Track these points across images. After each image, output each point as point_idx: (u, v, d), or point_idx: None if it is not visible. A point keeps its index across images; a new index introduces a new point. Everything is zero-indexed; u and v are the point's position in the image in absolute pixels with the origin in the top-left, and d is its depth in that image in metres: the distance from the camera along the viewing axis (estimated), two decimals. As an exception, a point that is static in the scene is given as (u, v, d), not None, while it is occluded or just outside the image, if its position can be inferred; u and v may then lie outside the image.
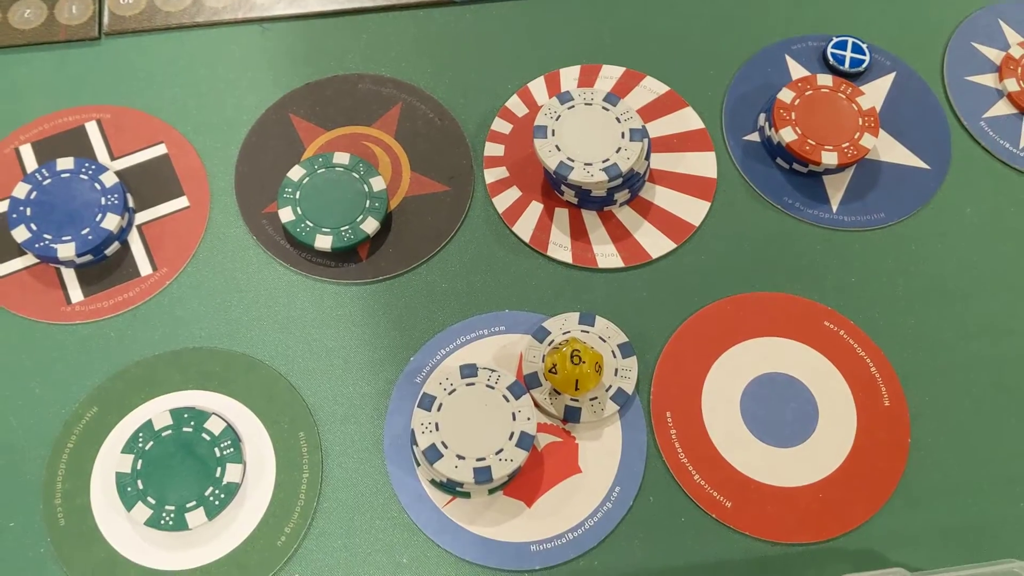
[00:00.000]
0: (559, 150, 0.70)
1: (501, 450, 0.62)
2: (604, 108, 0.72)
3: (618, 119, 0.71)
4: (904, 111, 0.79)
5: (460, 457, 0.62)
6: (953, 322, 0.72)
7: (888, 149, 0.78)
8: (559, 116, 0.72)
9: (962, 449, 0.68)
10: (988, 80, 0.81)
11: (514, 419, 0.63)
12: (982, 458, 0.67)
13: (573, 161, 0.70)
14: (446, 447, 0.62)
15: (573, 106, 0.72)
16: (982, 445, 0.68)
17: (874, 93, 0.80)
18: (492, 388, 0.64)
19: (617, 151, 0.70)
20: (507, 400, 0.64)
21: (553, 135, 0.71)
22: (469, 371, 0.64)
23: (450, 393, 0.64)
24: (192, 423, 0.65)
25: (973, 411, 0.69)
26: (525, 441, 0.62)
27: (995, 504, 0.66)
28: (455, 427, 0.63)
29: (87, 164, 0.72)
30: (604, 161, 0.70)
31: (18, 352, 0.68)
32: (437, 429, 0.63)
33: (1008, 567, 0.59)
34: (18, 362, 0.68)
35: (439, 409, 0.63)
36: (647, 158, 0.73)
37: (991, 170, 0.78)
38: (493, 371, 0.64)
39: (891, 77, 0.81)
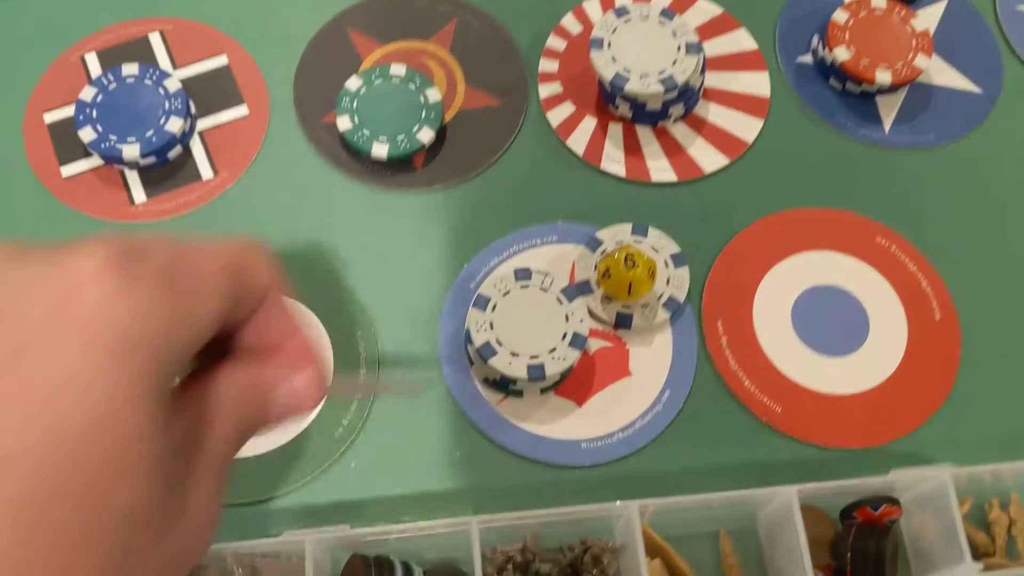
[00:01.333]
0: (615, 61, 0.71)
1: (554, 349, 0.63)
2: (660, 23, 0.72)
3: (674, 33, 0.72)
4: (956, 36, 0.80)
5: (514, 355, 0.63)
6: (1002, 240, 0.72)
7: (940, 72, 0.78)
8: (615, 29, 0.72)
9: (1011, 361, 0.68)
10: (1042, 9, 0.81)
11: (567, 320, 0.64)
12: (1032, 369, 0.68)
13: (629, 72, 0.71)
14: (500, 344, 0.63)
15: (630, 19, 0.73)
16: (1032, 357, 0.68)
17: (927, 18, 0.80)
18: (545, 291, 0.65)
19: (673, 63, 0.71)
20: (560, 303, 0.64)
21: (609, 47, 0.72)
22: (523, 274, 0.65)
23: (504, 295, 0.65)
24: (253, 317, 0.66)
25: (1022, 324, 0.69)
26: (578, 341, 0.63)
27: (1045, 410, 0.67)
28: (509, 326, 0.64)
29: (151, 70, 0.73)
30: (660, 73, 0.71)
31: (83, 249, 0.70)
32: (492, 328, 0.64)
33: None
34: (83, 259, 0.69)
35: (494, 309, 0.64)
36: (702, 73, 0.74)
37: (1044, 95, 0.78)
38: (547, 274, 0.65)
39: (944, 3, 0.81)
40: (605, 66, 0.71)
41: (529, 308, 0.64)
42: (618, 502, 0.56)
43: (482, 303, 0.64)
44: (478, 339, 0.63)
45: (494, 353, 0.63)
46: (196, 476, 0.27)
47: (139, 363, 0.24)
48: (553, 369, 0.62)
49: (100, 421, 0.23)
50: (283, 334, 0.30)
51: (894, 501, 0.60)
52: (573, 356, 0.63)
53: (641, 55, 0.71)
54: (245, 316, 0.29)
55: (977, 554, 0.61)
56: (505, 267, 0.70)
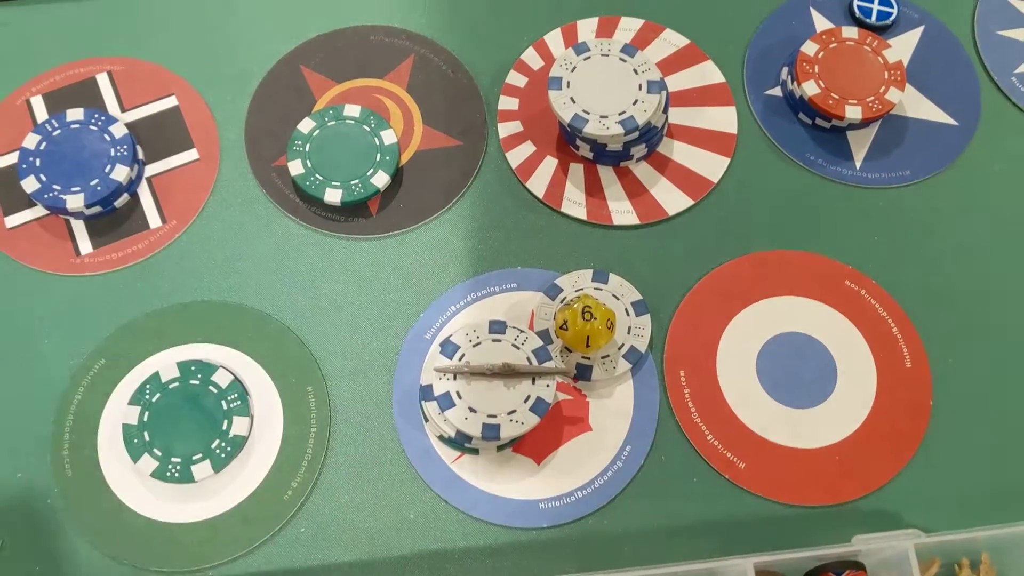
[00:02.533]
0: (574, 102, 0.69)
1: (514, 411, 0.61)
2: (621, 59, 0.70)
3: (635, 71, 0.69)
4: (932, 66, 0.77)
5: (472, 410, 0.61)
6: (978, 284, 0.70)
7: (915, 104, 0.75)
8: (575, 67, 0.70)
9: (984, 412, 0.66)
10: (1021, 34, 0.78)
11: (533, 382, 0.62)
12: (1004, 421, 0.65)
13: (588, 113, 0.68)
14: (460, 397, 0.61)
15: (589, 57, 0.70)
16: (1005, 408, 0.66)
17: (901, 47, 0.77)
18: (517, 348, 0.63)
19: (634, 103, 0.68)
20: (530, 363, 0.62)
21: (568, 87, 0.69)
22: (498, 327, 0.63)
23: (475, 345, 0.63)
24: (199, 376, 0.64)
25: (997, 374, 0.67)
26: (540, 407, 0.61)
27: (1016, 467, 0.64)
28: (473, 379, 0.62)
29: (97, 115, 0.71)
30: (620, 114, 0.68)
31: (27, 303, 0.68)
32: (455, 379, 0.62)
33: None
34: (27, 313, 0.68)
35: (460, 359, 0.62)
36: (665, 111, 0.71)
37: (1022, 126, 0.75)
38: (522, 331, 0.63)
39: (919, 31, 0.78)
40: (564, 107, 0.68)
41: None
42: (569, 578, 0.55)
43: (450, 351, 0.62)
44: (439, 388, 0.61)
45: (452, 405, 0.61)
46: None
47: None
48: (509, 432, 0.61)
49: None
50: None
51: (859, 565, 0.58)
52: (532, 421, 0.61)
53: (601, 95, 0.69)
54: None
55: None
56: (463, 316, 0.68)
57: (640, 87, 0.69)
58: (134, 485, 0.63)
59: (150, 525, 0.62)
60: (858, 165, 0.73)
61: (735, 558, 0.55)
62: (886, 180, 0.73)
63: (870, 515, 0.63)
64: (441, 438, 0.65)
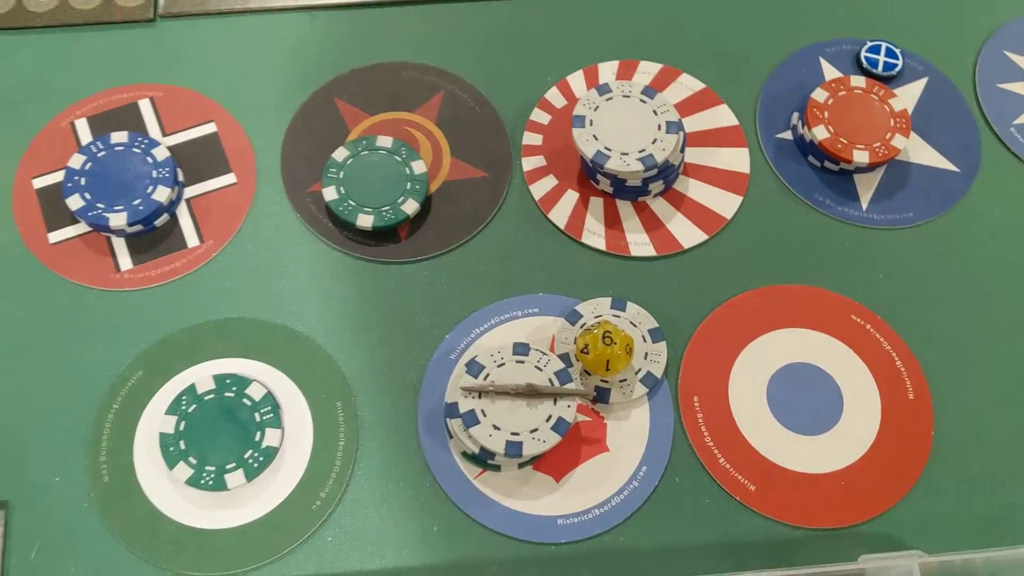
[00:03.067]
0: (596, 139, 0.72)
1: (536, 430, 0.64)
2: (642, 101, 0.74)
3: (655, 112, 0.73)
4: (935, 115, 0.81)
5: (496, 428, 0.63)
6: (978, 320, 0.73)
7: (919, 151, 0.79)
8: (597, 107, 0.74)
9: (984, 443, 0.69)
10: (1020, 88, 0.83)
11: (555, 403, 0.65)
12: (1003, 452, 0.69)
13: (610, 150, 0.72)
14: (484, 415, 0.64)
15: (611, 98, 0.74)
16: (1004, 439, 0.69)
17: (906, 97, 0.81)
18: (540, 370, 0.65)
19: (653, 142, 0.72)
20: (551, 383, 0.65)
21: (591, 125, 0.73)
22: (522, 349, 0.66)
23: (499, 366, 0.65)
24: (234, 388, 0.67)
25: (996, 406, 0.70)
26: (561, 426, 0.64)
27: (1015, 494, 0.67)
28: (497, 399, 0.64)
29: (140, 138, 0.74)
30: (640, 151, 0.72)
31: (68, 316, 0.71)
32: (479, 397, 0.64)
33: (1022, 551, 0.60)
34: (68, 326, 0.70)
35: (485, 378, 0.65)
36: (682, 151, 0.75)
37: (1020, 175, 0.79)
38: (544, 354, 0.66)
39: (923, 82, 0.83)
40: (586, 144, 0.72)
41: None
42: (589, 587, 0.57)
43: (475, 370, 0.65)
44: (464, 405, 0.64)
45: (476, 422, 0.64)
46: None
47: None
48: (531, 450, 0.63)
49: None
50: None
51: (864, 585, 0.61)
52: (553, 440, 0.63)
53: (622, 133, 0.72)
54: None
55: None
56: (487, 339, 0.71)
57: (659, 127, 0.73)
58: (168, 492, 0.65)
59: (183, 531, 0.64)
60: (864, 206, 0.77)
61: (748, 573, 0.58)
62: (891, 221, 0.76)
63: (874, 538, 0.66)
64: (464, 455, 0.67)
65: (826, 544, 0.66)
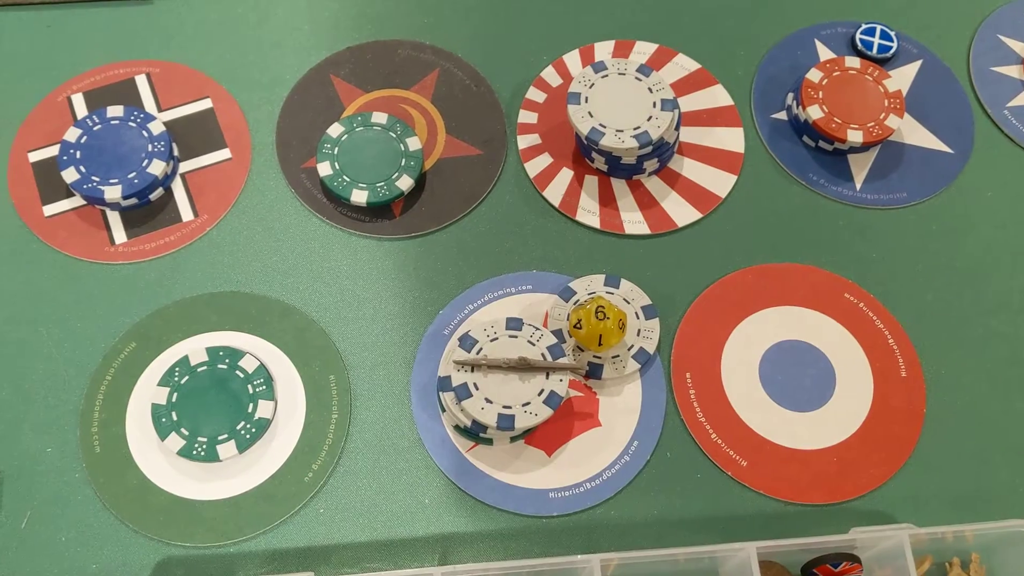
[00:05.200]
0: (591, 116, 0.72)
1: (528, 403, 0.64)
2: (637, 78, 0.74)
3: (650, 89, 0.73)
4: (929, 97, 0.81)
5: (488, 401, 0.63)
6: (970, 299, 0.73)
7: (912, 132, 0.80)
8: (592, 84, 0.74)
9: (975, 419, 0.69)
10: (1013, 71, 0.83)
11: (547, 377, 0.65)
12: (994, 428, 0.69)
13: (605, 127, 0.72)
14: (477, 388, 0.64)
15: (607, 75, 0.74)
16: (995, 416, 0.69)
17: (900, 79, 0.82)
18: (533, 344, 0.65)
19: (648, 119, 0.72)
20: (544, 358, 0.65)
21: (586, 102, 0.73)
22: (515, 324, 0.66)
23: (492, 340, 0.65)
24: (227, 360, 0.67)
25: (987, 384, 0.70)
26: (553, 400, 0.64)
27: (1005, 472, 0.67)
28: (490, 372, 0.65)
29: (136, 112, 0.74)
30: (635, 129, 0.72)
31: (62, 288, 0.71)
32: (472, 371, 0.64)
33: (1014, 524, 0.60)
34: (62, 298, 0.70)
35: (478, 352, 0.65)
36: (677, 129, 0.75)
37: (1013, 156, 0.79)
38: (537, 329, 0.66)
39: (917, 64, 0.83)
40: (581, 120, 0.72)
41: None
42: (580, 556, 0.57)
43: (468, 344, 0.65)
44: (456, 379, 0.64)
45: (469, 395, 0.64)
46: None
47: None
48: (523, 423, 0.63)
49: None
50: None
51: (854, 558, 0.61)
52: (545, 413, 0.64)
53: (617, 110, 0.73)
54: None
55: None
56: (480, 315, 0.71)
57: (655, 104, 0.73)
58: (160, 463, 0.65)
59: (174, 501, 0.64)
60: (858, 186, 0.77)
61: (739, 543, 0.58)
62: (884, 201, 0.77)
63: (865, 515, 0.66)
64: (457, 428, 0.67)
65: (817, 519, 0.66)
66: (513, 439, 0.67)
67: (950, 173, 0.78)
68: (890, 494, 0.67)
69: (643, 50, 0.82)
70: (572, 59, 0.81)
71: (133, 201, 0.72)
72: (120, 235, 0.72)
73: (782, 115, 0.80)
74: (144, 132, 0.74)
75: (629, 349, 0.69)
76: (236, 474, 0.65)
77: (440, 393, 0.67)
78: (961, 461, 0.68)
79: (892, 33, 0.82)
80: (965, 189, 0.78)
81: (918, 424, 0.69)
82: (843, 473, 0.67)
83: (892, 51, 0.82)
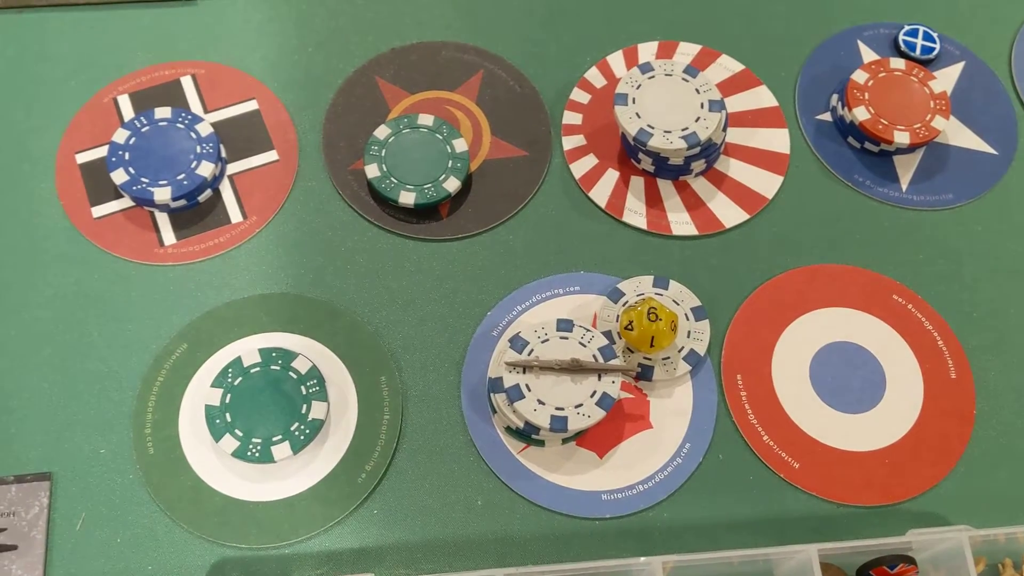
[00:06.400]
0: (639, 117, 0.72)
1: (581, 405, 0.64)
2: (684, 79, 0.74)
3: (697, 90, 0.73)
4: (972, 98, 0.81)
5: (540, 403, 0.63)
6: (1018, 300, 0.73)
7: (957, 133, 0.79)
8: (639, 85, 0.74)
9: (1026, 421, 0.69)
10: (1056, 72, 0.83)
11: (599, 379, 0.65)
12: (1047, 430, 0.69)
13: (653, 128, 0.72)
14: (529, 390, 0.64)
15: (653, 76, 0.74)
16: (1047, 418, 0.69)
17: (944, 80, 0.82)
18: (584, 346, 0.65)
19: (696, 120, 0.72)
20: (596, 360, 0.65)
21: (633, 103, 0.73)
22: (565, 325, 0.66)
23: (543, 342, 0.65)
24: (280, 362, 0.67)
25: (1038, 386, 0.70)
26: (606, 402, 0.64)
27: (1061, 473, 0.68)
28: (542, 374, 0.65)
29: (183, 114, 0.75)
30: (683, 129, 0.72)
31: (112, 290, 0.71)
32: (524, 372, 0.64)
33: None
34: (112, 299, 0.70)
35: (529, 354, 0.65)
36: (724, 130, 0.75)
37: (1058, 158, 0.79)
38: (588, 330, 0.66)
39: (960, 66, 0.83)
40: (629, 121, 0.72)
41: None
42: (642, 558, 0.57)
43: (519, 346, 0.65)
44: (508, 380, 0.64)
45: (521, 397, 0.64)
46: None
47: None
48: (576, 424, 0.63)
49: None
50: None
51: (910, 560, 0.61)
52: (597, 415, 0.64)
53: (664, 111, 0.73)
54: None
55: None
56: (528, 316, 0.71)
57: (702, 105, 0.73)
58: (213, 464, 0.65)
59: (228, 502, 0.64)
60: (904, 188, 0.77)
61: (799, 545, 0.58)
62: (930, 203, 0.77)
63: (919, 516, 0.66)
64: (508, 430, 0.67)
65: (871, 521, 0.66)
66: (565, 441, 0.67)
67: (995, 174, 0.78)
68: (942, 496, 0.67)
69: (687, 51, 0.82)
70: (616, 60, 0.81)
71: (182, 203, 0.73)
72: (169, 236, 0.73)
73: (826, 116, 0.80)
74: (192, 134, 0.74)
75: (680, 351, 0.69)
76: (290, 475, 0.65)
77: (491, 395, 0.67)
78: (1012, 462, 0.68)
79: (935, 34, 0.82)
80: (1010, 190, 0.78)
81: (968, 426, 0.69)
82: (894, 475, 0.67)
83: (935, 52, 0.82)
